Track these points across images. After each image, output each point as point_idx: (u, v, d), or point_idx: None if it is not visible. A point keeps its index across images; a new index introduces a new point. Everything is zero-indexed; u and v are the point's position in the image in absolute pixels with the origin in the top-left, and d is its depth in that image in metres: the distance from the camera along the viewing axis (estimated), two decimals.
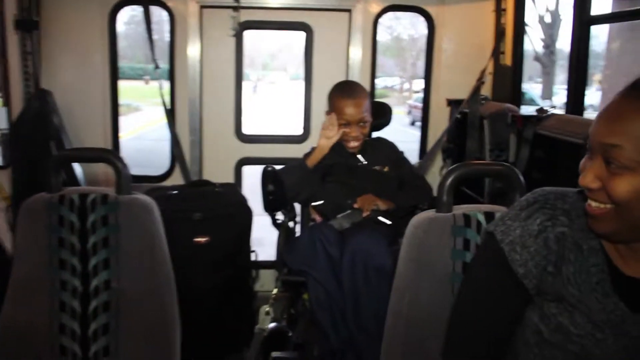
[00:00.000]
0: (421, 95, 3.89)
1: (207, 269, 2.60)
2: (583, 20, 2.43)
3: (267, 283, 3.23)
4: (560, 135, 2.21)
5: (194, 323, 2.10)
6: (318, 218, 2.46)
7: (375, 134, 2.81)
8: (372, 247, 2.13)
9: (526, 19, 3.05)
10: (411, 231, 1.41)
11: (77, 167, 2.92)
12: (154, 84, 3.29)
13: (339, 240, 2.22)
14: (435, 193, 1.49)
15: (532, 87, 17.85)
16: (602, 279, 1.01)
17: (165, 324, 1.67)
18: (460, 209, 1.40)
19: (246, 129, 3.44)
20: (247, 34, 3.34)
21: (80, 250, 1.63)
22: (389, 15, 3.34)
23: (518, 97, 3.06)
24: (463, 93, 3.11)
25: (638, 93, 0.92)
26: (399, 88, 27.49)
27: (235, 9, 3.13)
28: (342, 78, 3.21)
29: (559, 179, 2.20)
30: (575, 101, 2.50)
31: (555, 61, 18.89)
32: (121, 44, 3.47)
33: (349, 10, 3.28)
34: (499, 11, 3.13)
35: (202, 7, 3.20)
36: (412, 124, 16.82)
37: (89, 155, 2.03)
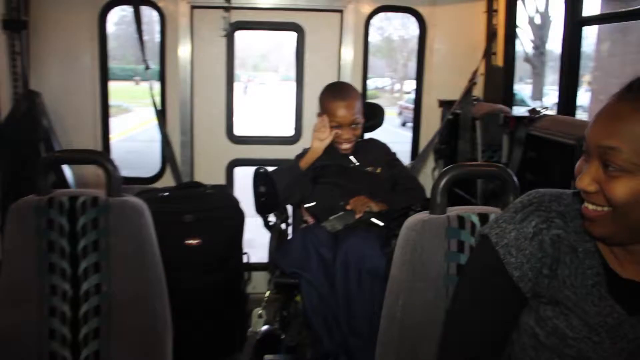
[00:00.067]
0: (412, 96, 3.90)
1: (198, 272, 2.58)
2: (574, 21, 2.44)
3: (259, 285, 3.21)
4: (552, 136, 2.21)
5: (185, 326, 2.09)
6: (310, 220, 2.45)
7: (366, 135, 2.80)
8: (366, 250, 2.12)
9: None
10: (405, 233, 1.40)
11: (67, 169, 2.89)
12: (145, 85, 3.27)
13: (332, 242, 2.21)
14: (428, 194, 1.48)
15: (522, 88, 17.95)
16: (598, 281, 1.01)
17: (157, 327, 1.65)
18: (454, 211, 1.39)
19: (237, 130, 3.42)
20: (238, 35, 3.32)
21: (70, 254, 1.61)
22: (380, 16, 3.34)
23: (510, 98, 3.07)
24: (455, 94, 3.12)
25: (634, 95, 0.92)
26: (390, 89, 27.58)
27: (227, 9, 3.11)
28: (333, 79, 3.21)
29: (551, 179, 2.21)
30: (567, 102, 2.50)
31: (545, 62, 19.01)
32: (111, 44, 3.44)
33: (340, 11, 3.28)
34: (491, 12, 3.14)
35: (193, 7, 3.18)
36: (403, 124, 16.88)
37: (78, 157, 2.00)
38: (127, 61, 25.49)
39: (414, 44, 3.80)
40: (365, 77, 3.39)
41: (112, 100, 3.29)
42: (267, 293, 2.42)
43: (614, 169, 0.92)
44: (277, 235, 2.46)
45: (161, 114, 3.19)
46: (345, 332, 2.15)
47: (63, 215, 1.61)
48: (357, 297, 2.12)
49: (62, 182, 2.82)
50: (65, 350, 1.60)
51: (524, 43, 17.74)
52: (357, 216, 2.28)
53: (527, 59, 18.08)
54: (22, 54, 2.87)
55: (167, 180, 3.22)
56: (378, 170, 2.47)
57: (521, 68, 17.57)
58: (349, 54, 3.30)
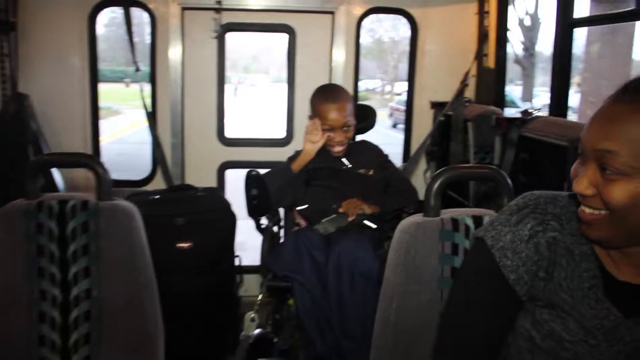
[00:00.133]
0: (403, 97, 3.90)
1: (189, 275, 2.57)
2: (566, 23, 2.44)
3: (250, 288, 3.20)
4: (545, 137, 2.21)
5: (177, 330, 2.07)
6: (303, 222, 2.44)
7: (358, 137, 2.79)
8: (358, 252, 2.11)
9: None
10: (399, 236, 1.39)
11: (56, 173, 2.86)
12: (135, 87, 3.25)
13: (324, 245, 2.20)
14: (420, 196, 1.47)
15: (512, 90, 18.03)
16: (594, 284, 1.00)
17: (148, 332, 1.63)
18: (448, 213, 1.39)
19: (229, 132, 3.41)
20: (228, 36, 3.30)
21: (60, 259, 1.59)
22: (371, 17, 3.33)
23: (501, 100, 3.08)
24: (446, 95, 3.12)
25: (630, 97, 0.91)
26: (380, 91, 27.64)
27: (217, 10, 3.09)
28: (325, 80, 3.20)
29: (544, 181, 2.22)
30: (559, 103, 2.51)
31: (534, 64, 19.11)
32: (101, 46, 3.42)
33: (332, 12, 3.27)
34: (482, 14, 3.14)
35: (184, 8, 3.16)
36: (394, 126, 16.92)
37: (68, 160, 1.96)
38: (117, 63, 25.42)
39: (404, 46, 3.81)
40: (357, 79, 3.38)
41: (102, 103, 3.26)
42: (260, 296, 2.40)
43: (611, 172, 0.91)
44: (269, 238, 2.45)
45: (152, 116, 3.17)
46: (338, 335, 2.14)
47: (52, 219, 1.59)
48: (350, 299, 2.11)
49: (52, 185, 2.79)
50: (55, 356, 1.58)
51: (514, 45, 17.85)
52: (350, 219, 2.27)
53: (517, 61, 18.17)
54: (11, 56, 2.84)
55: (158, 183, 3.20)
56: (370, 173, 2.46)
57: (511, 70, 17.65)
58: (340, 55, 3.29)
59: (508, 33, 3.09)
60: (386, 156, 2.57)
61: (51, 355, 1.58)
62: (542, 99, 16.02)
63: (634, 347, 0.99)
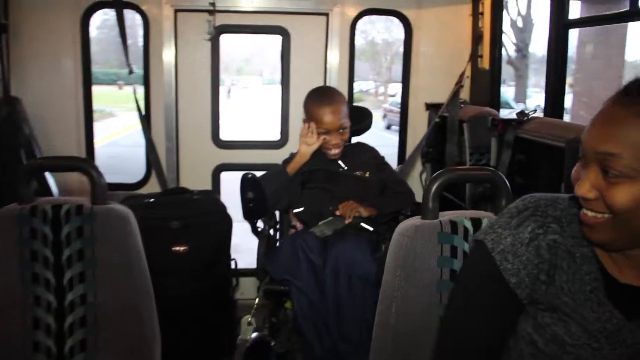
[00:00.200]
0: (397, 99, 3.89)
1: (185, 278, 2.55)
2: (561, 24, 2.44)
3: (247, 291, 3.18)
4: (541, 138, 2.21)
5: (173, 333, 2.05)
6: (299, 225, 2.43)
7: (354, 139, 2.78)
8: (356, 255, 2.10)
9: None
10: (397, 239, 1.38)
11: (49, 176, 2.84)
12: (128, 89, 3.23)
13: (321, 247, 2.19)
14: (417, 198, 1.47)
15: (505, 91, 18.08)
16: (596, 287, 1.00)
17: (145, 337, 1.62)
18: (446, 216, 1.38)
19: (223, 135, 3.39)
20: (221, 39, 3.29)
21: (54, 264, 1.57)
22: (364, 19, 3.33)
23: (497, 101, 3.07)
24: (441, 97, 3.12)
25: (631, 99, 0.90)
26: (374, 92, 27.65)
27: (211, 12, 3.08)
28: (319, 82, 3.20)
29: (541, 182, 2.21)
30: (554, 104, 2.51)
31: (528, 65, 19.16)
32: (94, 48, 3.39)
33: (326, 14, 3.26)
34: (476, 15, 3.13)
35: (177, 10, 3.14)
36: (388, 127, 16.91)
37: (62, 164, 1.93)
38: (110, 65, 25.30)
39: (397, 47, 3.81)
40: (351, 80, 3.37)
41: (95, 105, 3.24)
42: (257, 300, 2.39)
43: (614, 175, 0.90)
44: (265, 241, 2.44)
45: (145, 119, 3.15)
46: (335, 338, 2.13)
47: (46, 224, 1.57)
48: (347, 302, 2.10)
49: (45, 189, 2.77)
50: None
51: (507, 46, 17.88)
52: (347, 221, 2.26)
53: (510, 62, 18.21)
54: (3, 58, 2.82)
55: (153, 186, 3.18)
56: (367, 175, 2.45)
57: (504, 71, 17.63)
58: (335, 57, 3.28)
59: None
60: (382, 158, 2.56)
61: None
62: (535, 99, 16.07)
63: (636, 349, 0.98)
